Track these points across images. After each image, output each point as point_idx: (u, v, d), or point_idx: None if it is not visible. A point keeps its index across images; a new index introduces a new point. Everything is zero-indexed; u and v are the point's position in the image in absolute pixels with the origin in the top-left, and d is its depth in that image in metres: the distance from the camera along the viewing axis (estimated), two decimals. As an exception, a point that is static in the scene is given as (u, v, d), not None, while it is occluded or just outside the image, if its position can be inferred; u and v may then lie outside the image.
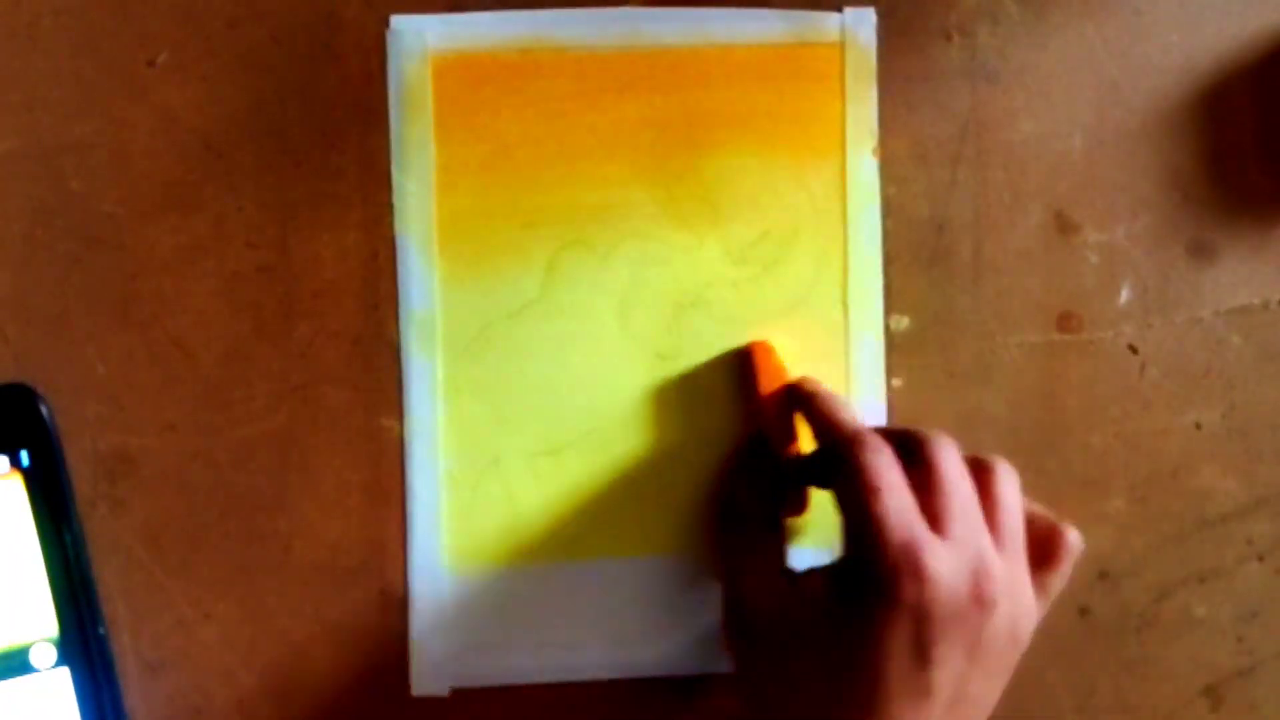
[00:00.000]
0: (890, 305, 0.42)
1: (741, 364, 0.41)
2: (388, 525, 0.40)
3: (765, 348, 0.41)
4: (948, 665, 0.33)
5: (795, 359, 0.41)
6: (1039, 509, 0.37)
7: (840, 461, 0.35)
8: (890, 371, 0.42)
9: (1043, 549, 0.36)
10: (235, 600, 0.40)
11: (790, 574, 0.38)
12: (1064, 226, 0.42)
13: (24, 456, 0.38)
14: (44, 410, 0.38)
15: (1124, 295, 0.42)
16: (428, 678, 0.41)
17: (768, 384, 0.40)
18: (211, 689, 0.40)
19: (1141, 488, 0.42)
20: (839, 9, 0.41)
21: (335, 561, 0.40)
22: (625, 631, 0.41)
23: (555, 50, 0.41)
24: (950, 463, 0.35)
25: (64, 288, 0.40)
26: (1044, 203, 0.42)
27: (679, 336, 0.41)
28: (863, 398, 0.41)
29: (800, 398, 0.39)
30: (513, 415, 0.41)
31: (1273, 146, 0.42)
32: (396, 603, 0.40)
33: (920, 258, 0.42)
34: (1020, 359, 0.42)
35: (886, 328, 0.42)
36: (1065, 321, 0.42)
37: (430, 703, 0.41)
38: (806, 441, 0.40)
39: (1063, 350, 0.42)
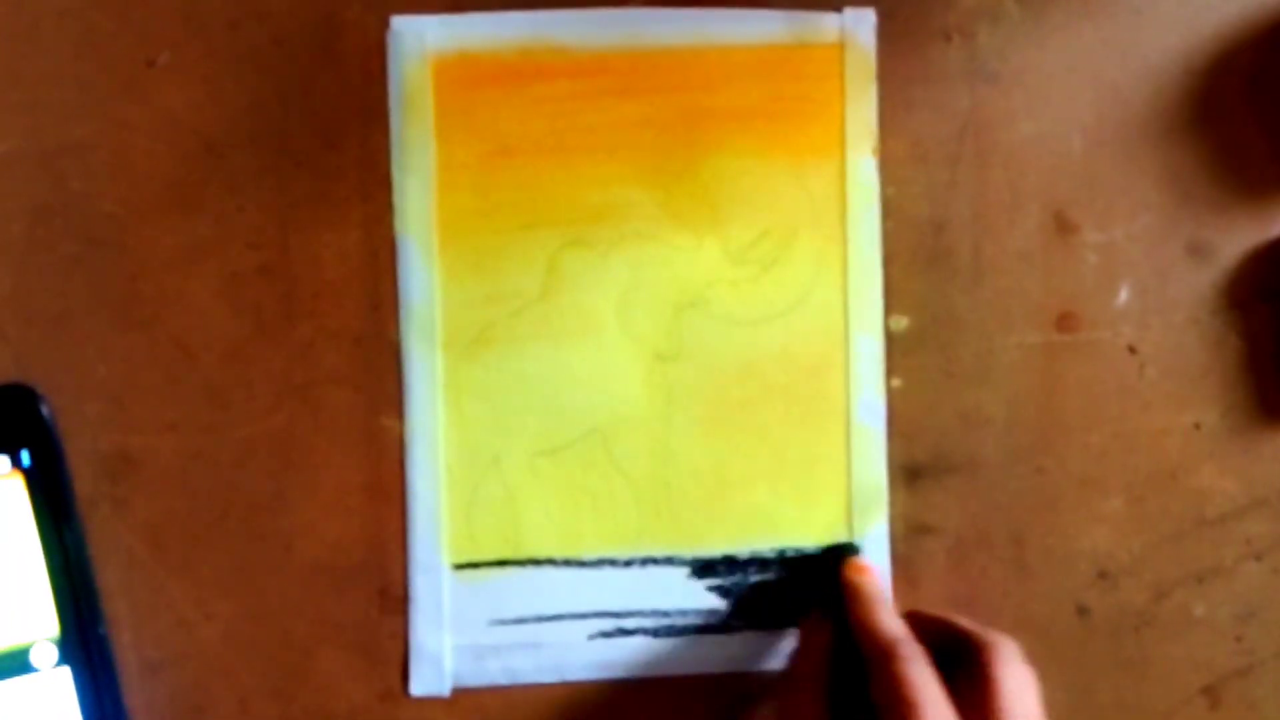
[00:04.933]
0: (890, 305, 0.42)
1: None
2: (388, 525, 0.41)
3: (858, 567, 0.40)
4: None
5: (794, 360, 0.41)
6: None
7: (878, 670, 0.35)
8: (890, 372, 0.42)
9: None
10: (236, 600, 0.40)
11: None
12: (1063, 227, 0.42)
13: (25, 456, 0.38)
14: (45, 410, 0.39)
15: (1123, 295, 0.42)
16: (428, 677, 0.41)
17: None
18: (212, 688, 0.40)
19: (1140, 487, 0.42)
20: (838, 10, 0.41)
21: (335, 561, 0.40)
22: (624, 631, 0.41)
23: (555, 50, 0.41)
24: (1011, 679, 0.35)
25: (65, 288, 0.40)
26: (1043, 203, 0.42)
27: (678, 336, 0.41)
28: (862, 398, 0.41)
29: (845, 589, 0.39)
30: (513, 415, 0.41)
31: (1271, 146, 0.42)
32: (397, 602, 0.41)
33: (919, 258, 0.42)
34: (1019, 359, 0.42)
35: (886, 328, 0.42)
36: (1064, 322, 0.42)
37: (430, 702, 0.41)
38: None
39: (1062, 350, 0.42)
